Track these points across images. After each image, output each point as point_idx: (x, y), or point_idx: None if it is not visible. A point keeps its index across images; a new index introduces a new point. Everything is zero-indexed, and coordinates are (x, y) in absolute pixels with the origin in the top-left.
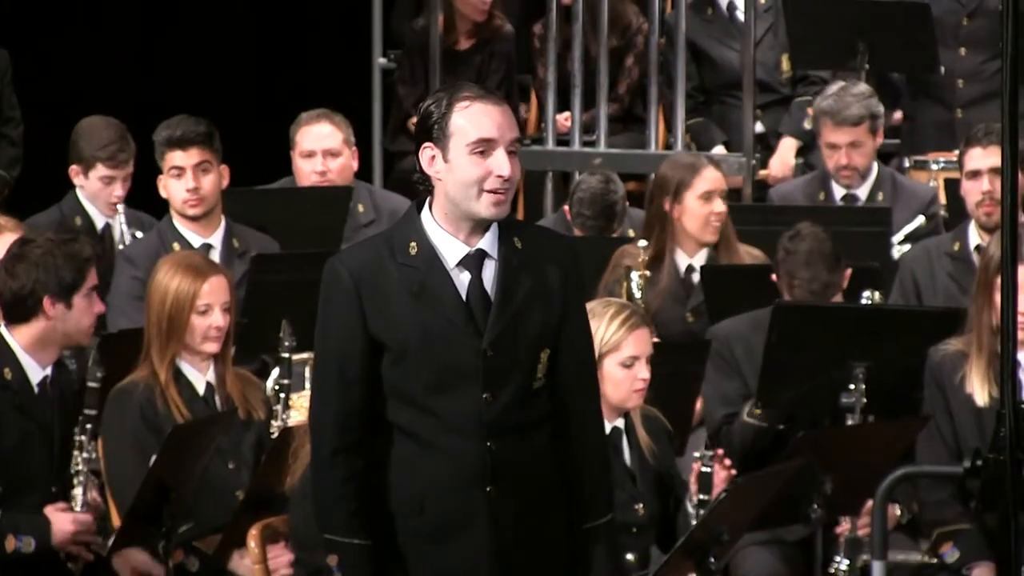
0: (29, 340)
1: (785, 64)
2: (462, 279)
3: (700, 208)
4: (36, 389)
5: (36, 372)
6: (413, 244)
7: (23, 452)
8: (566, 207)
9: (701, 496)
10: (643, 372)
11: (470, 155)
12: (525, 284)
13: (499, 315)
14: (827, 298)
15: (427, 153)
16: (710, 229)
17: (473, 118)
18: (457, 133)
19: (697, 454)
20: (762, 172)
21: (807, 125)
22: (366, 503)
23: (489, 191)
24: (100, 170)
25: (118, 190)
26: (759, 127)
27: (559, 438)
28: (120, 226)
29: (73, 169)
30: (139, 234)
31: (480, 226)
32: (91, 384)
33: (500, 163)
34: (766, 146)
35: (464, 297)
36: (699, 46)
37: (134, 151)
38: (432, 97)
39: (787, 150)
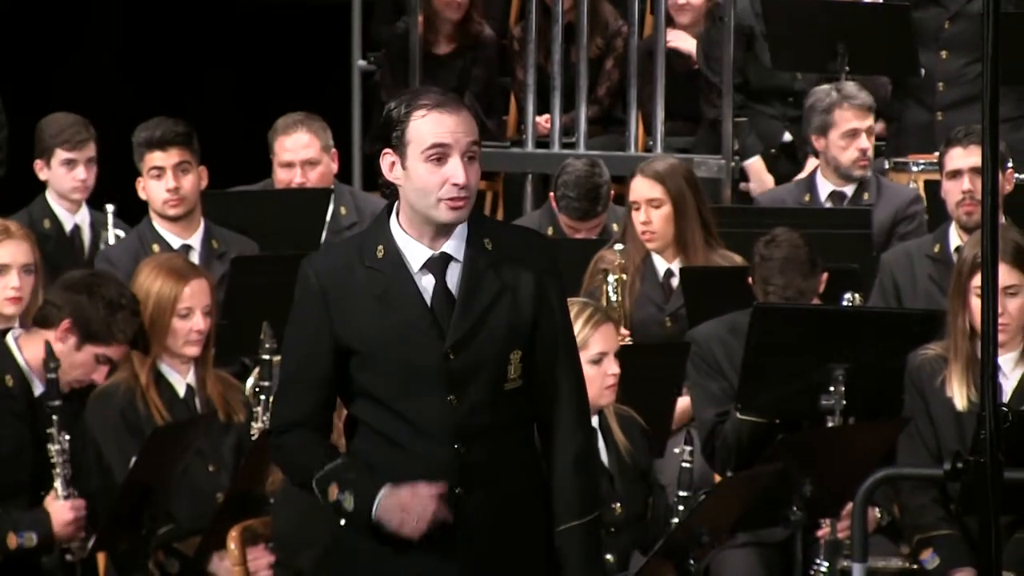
0: (33, 352)
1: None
2: (425, 283)
3: (633, 216)
4: (36, 399)
5: (38, 385)
6: (380, 247)
7: (18, 457)
8: (552, 193)
9: (681, 492)
10: (613, 367)
11: (425, 162)
12: (492, 285)
13: (462, 317)
14: (803, 303)
15: (387, 159)
16: (642, 238)
17: (427, 126)
18: (413, 141)
19: (677, 450)
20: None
21: None
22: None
23: (445, 199)
24: (61, 155)
25: (81, 173)
26: (787, 136)
27: (541, 439)
28: (86, 224)
29: (37, 164)
30: (110, 224)
31: (445, 229)
32: (51, 376)
33: (454, 171)
34: (790, 154)
35: (428, 301)
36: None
37: (94, 136)
38: (394, 102)
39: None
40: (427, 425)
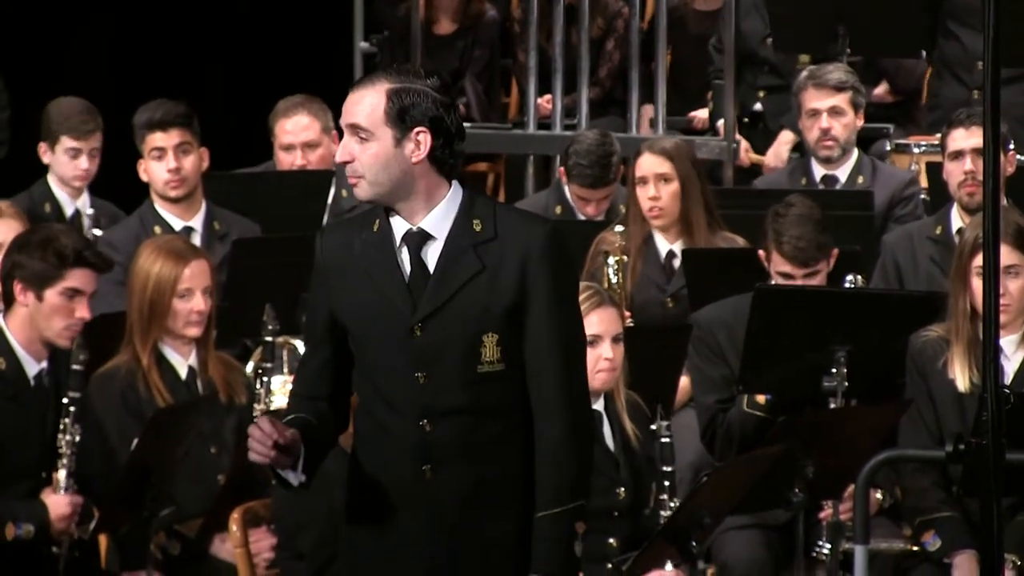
0: (19, 329)
1: (803, 56)
2: (404, 258)
3: (639, 193)
4: (32, 381)
5: (32, 365)
6: (377, 222)
7: (15, 441)
8: (560, 168)
9: (665, 468)
10: (607, 352)
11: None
12: (471, 266)
13: (433, 295)
14: (813, 260)
15: None
16: (648, 214)
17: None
18: None
19: (654, 427)
20: (756, 157)
21: None
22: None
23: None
24: (65, 143)
25: (84, 163)
26: (757, 106)
27: (530, 425)
28: (86, 213)
29: (42, 147)
30: (86, 225)
31: (420, 206)
32: (75, 367)
33: (339, 146)
34: (762, 124)
35: (405, 276)
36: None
37: (101, 126)
38: None
39: (783, 143)
40: (398, 401)
